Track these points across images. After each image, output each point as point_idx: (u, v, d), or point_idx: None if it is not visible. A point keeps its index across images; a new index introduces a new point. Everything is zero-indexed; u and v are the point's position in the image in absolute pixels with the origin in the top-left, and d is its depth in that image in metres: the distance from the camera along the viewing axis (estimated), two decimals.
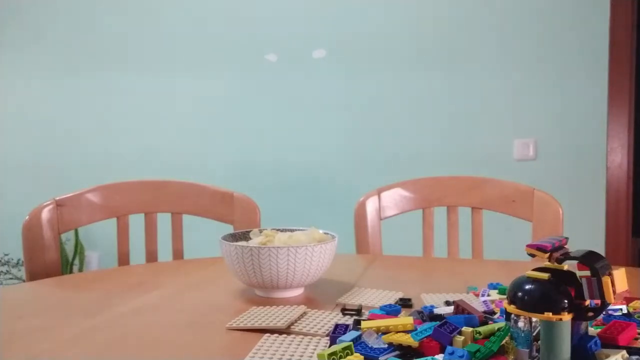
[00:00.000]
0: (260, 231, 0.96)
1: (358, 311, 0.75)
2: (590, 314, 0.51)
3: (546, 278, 0.51)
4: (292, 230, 0.97)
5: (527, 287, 0.51)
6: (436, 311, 0.71)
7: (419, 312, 0.69)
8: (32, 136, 3.13)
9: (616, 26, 2.39)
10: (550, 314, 0.49)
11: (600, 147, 2.44)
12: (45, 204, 1.21)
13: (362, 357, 0.56)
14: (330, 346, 0.60)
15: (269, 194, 2.75)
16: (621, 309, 0.70)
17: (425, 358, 0.55)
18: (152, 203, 1.34)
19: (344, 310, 0.76)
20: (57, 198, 1.24)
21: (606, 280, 0.49)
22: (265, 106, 2.81)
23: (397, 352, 0.58)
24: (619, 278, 0.50)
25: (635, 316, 0.67)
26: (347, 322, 0.69)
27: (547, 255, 0.52)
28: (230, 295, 0.89)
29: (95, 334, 0.71)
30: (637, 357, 0.53)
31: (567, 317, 0.49)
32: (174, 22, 2.89)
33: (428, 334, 0.57)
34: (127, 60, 2.97)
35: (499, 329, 0.56)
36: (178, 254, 1.35)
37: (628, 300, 0.74)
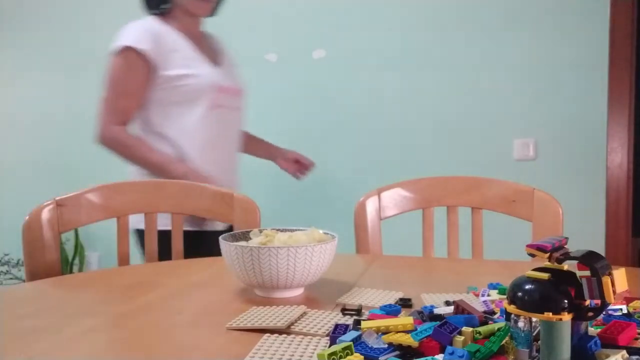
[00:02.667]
0: (260, 231, 0.96)
1: (358, 311, 0.75)
2: (590, 314, 0.51)
3: (546, 278, 0.51)
4: (292, 230, 0.97)
5: (527, 287, 0.51)
6: (436, 311, 0.71)
7: (419, 312, 0.69)
8: (33, 136, 3.13)
9: (616, 26, 2.40)
10: (550, 314, 0.49)
11: (600, 147, 2.44)
12: (45, 204, 1.21)
13: (362, 357, 0.55)
14: (330, 346, 0.60)
15: (269, 194, 2.75)
16: (621, 309, 0.70)
17: (425, 358, 0.54)
18: (152, 203, 1.34)
19: (344, 310, 0.76)
20: (57, 198, 1.24)
21: (606, 280, 0.49)
22: (265, 106, 2.80)
23: (397, 352, 0.58)
24: (619, 278, 0.50)
25: (635, 316, 0.67)
26: (347, 322, 0.69)
27: (547, 255, 0.52)
28: (230, 295, 0.89)
29: (95, 334, 0.71)
30: (637, 357, 0.53)
31: (567, 317, 0.49)
32: None
33: (428, 334, 0.57)
34: None
35: (499, 329, 0.56)
36: (178, 254, 1.35)
37: (628, 300, 0.74)
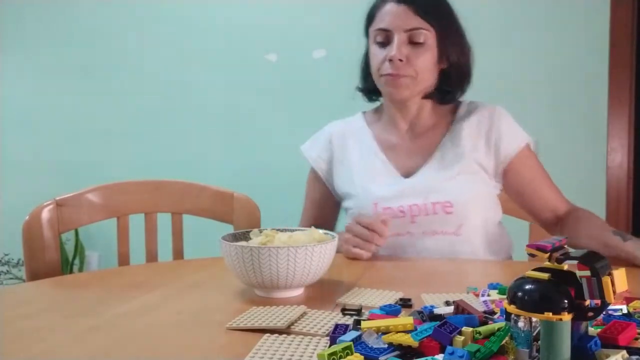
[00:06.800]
0: (260, 231, 0.96)
1: (358, 311, 0.75)
2: (590, 314, 0.51)
3: (546, 278, 0.51)
4: (292, 230, 0.97)
5: (527, 287, 0.51)
6: (436, 311, 0.71)
7: (419, 312, 0.69)
8: (33, 136, 3.13)
9: (616, 26, 2.39)
10: (550, 314, 0.49)
11: (600, 147, 2.44)
12: (45, 204, 1.21)
13: (362, 357, 0.56)
14: (330, 346, 0.60)
15: (269, 194, 2.75)
16: (621, 309, 0.70)
17: (425, 358, 0.54)
18: (152, 203, 1.34)
19: (344, 310, 0.76)
20: (57, 198, 1.24)
21: (606, 280, 0.49)
22: (265, 105, 2.81)
23: (397, 352, 0.58)
24: (619, 278, 0.50)
25: (635, 316, 0.67)
26: (347, 322, 0.69)
27: (547, 255, 0.52)
28: (230, 295, 0.89)
29: (95, 334, 0.71)
30: (637, 357, 0.53)
31: (567, 317, 0.49)
32: (174, 22, 2.89)
33: (428, 334, 0.57)
34: (127, 62, 2.97)
35: (499, 329, 0.56)
36: (178, 254, 1.35)
37: (628, 300, 0.74)
